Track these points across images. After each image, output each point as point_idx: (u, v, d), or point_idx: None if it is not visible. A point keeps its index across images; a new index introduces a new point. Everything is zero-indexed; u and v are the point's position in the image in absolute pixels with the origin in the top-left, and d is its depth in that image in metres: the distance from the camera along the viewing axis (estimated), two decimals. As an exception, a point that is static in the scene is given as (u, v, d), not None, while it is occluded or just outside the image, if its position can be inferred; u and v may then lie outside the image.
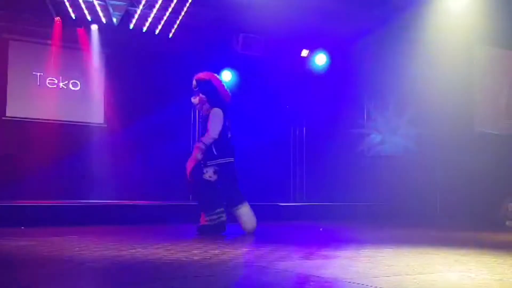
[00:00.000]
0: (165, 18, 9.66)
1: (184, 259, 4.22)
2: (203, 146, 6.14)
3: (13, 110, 9.53)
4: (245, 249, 4.89)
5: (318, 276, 3.49)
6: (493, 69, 8.94)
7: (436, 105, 8.84)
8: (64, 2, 9.01)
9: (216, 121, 6.19)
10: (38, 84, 9.76)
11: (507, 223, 8.07)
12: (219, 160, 6.22)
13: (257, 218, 6.47)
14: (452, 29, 8.64)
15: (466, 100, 8.86)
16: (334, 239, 6.25)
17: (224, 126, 6.24)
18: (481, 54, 8.99)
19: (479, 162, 8.28)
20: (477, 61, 8.93)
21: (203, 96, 6.34)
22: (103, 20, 9.40)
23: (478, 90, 8.93)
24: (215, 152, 6.17)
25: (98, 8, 9.27)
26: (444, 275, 3.67)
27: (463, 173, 8.35)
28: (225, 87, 6.53)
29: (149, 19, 9.65)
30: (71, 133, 9.79)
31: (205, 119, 6.31)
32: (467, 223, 8.02)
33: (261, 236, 6.21)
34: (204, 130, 6.27)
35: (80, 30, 9.56)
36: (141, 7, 9.41)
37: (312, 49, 10.98)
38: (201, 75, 6.54)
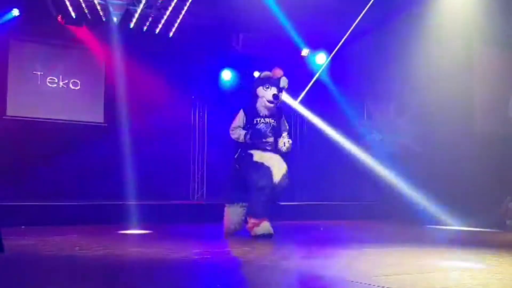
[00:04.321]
0: (165, 17, 9.65)
1: (185, 258, 4.22)
2: None
3: (14, 109, 9.50)
4: (246, 249, 4.88)
5: (320, 276, 3.50)
6: (494, 69, 8.93)
7: (437, 104, 8.83)
8: (64, 1, 8.99)
9: None
10: (39, 83, 9.75)
11: (508, 222, 8.07)
12: None
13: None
14: (453, 29, 8.63)
15: (467, 99, 8.85)
16: (335, 238, 6.25)
17: None
18: (483, 54, 8.98)
19: (480, 161, 8.27)
20: (478, 60, 8.92)
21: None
22: (103, 19, 9.39)
23: (479, 89, 8.92)
24: None
25: (99, 7, 9.26)
26: (445, 274, 3.67)
27: (464, 172, 8.34)
28: None
29: (150, 19, 9.63)
30: (71, 133, 9.78)
31: (275, 120, 6.05)
32: (468, 222, 8.01)
33: (262, 236, 6.20)
34: (275, 131, 6.02)
35: (82, 29, 9.52)
36: (141, 6, 9.40)
37: (313, 48, 10.96)
38: None
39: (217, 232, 6.70)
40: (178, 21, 9.73)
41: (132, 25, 9.62)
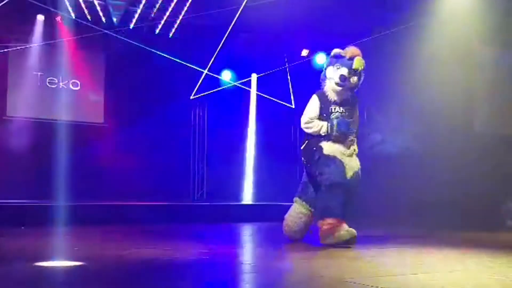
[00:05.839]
0: (165, 17, 9.65)
1: (183, 259, 4.22)
2: None
3: (14, 109, 9.51)
4: (245, 249, 4.88)
5: (320, 276, 3.49)
6: (495, 69, 8.92)
7: (437, 104, 8.82)
8: (64, 2, 8.99)
9: None
10: (38, 83, 9.75)
11: (509, 222, 8.07)
12: None
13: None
14: (454, 29, 8.62)
15: (466, 100, 8.85)
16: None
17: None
18: (483, 54, 8.98)
19: (479, 162, 8.27)
20: (479, 60, 8.91)
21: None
22: (103, 19, 9.39)
23: (479, 90, 8.91)
24: None
25: (98, 8, 9.26)
26: (446, 274, 3.66)
27: (464, 173, 8.34)
28: None
29: (150, 19, 9.63)
30: (71, 133, 9.75)
31: (349, 109, 5.16)
32: (468, 223, 8.00)
33: (261, 236, 6.19)
34: (349, 122, 5.12)
35: (82, 30, 9.49)
36: (141, 6, 9.40)
37: (312, 49, 10.96)
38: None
39: (216, 232, 6.69)
40: (178, 21, 9.73)
41: (132, 25, 9.61)
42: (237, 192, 10.16)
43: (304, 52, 11.02)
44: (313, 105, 5.09)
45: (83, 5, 9.14)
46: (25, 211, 7.14)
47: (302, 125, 5.14)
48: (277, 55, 10.71)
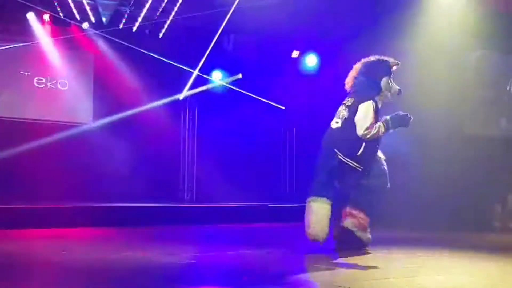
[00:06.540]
0: (155, 18, 9.60)
1: (175, 262, 4.19)
2: None
3: (0, 109, 9.39)
4: (236, 253, 4.85)
5: (307, 281, 3.47)
6: (486, 71, 8.96)
7: (428, 106, 8.85)
8: (52, 1, 8.92)
9: None
10: (26, 83, 9.64)
11: (496, 224, 8.12)
12: None
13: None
14: (445, 31, 8.65)
15: (457, 102, 8.89)
16: (328, 241, 6.22)
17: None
18: (475, 57, 9.02)
19: (469, 164, 8.30)
20: (470, 62, 8.95)
21: None
22: (92, 19, 9.32)
23: (470, 92, 8.95)
24: None
25: (87, 7, 9.20)
26: (438, 277, 3.66)
27: (454, 175, 8.37)
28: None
29: (139, 19, 9.58)
30: (59, 133, 9.67)
31: None
32: (458, 224, 8.04)
33: (253, 239, 6.16)
34: None
35: (71, 29, 9.44)
36: (131, 6, 9.34)
37: (303, 50, 10.96)
38: None
39: (207, 234, 6.66)
40: (168, 21, 9.68)
41: (121, 25, 9.55)
42: (227, 193, 10.10)
43: (295, 54, 11.02)
44: (372, 111, 5.00)
45: (72, 5, 9.06)
46: (14, 213, 7.06)
47: (362, 132, 4.98)
48: (268, 56, 10.70)
